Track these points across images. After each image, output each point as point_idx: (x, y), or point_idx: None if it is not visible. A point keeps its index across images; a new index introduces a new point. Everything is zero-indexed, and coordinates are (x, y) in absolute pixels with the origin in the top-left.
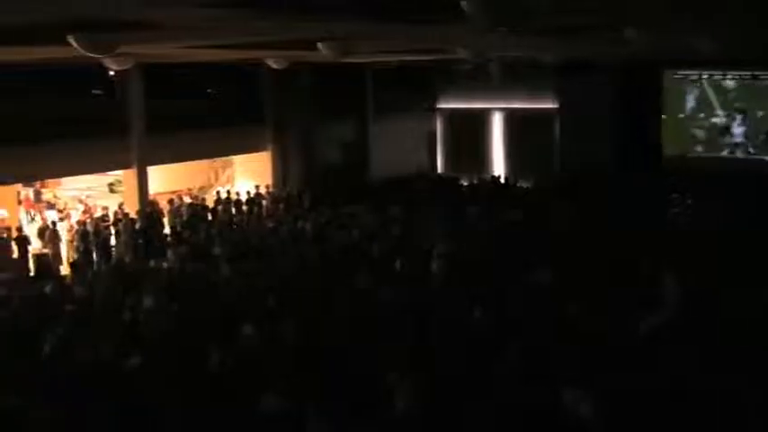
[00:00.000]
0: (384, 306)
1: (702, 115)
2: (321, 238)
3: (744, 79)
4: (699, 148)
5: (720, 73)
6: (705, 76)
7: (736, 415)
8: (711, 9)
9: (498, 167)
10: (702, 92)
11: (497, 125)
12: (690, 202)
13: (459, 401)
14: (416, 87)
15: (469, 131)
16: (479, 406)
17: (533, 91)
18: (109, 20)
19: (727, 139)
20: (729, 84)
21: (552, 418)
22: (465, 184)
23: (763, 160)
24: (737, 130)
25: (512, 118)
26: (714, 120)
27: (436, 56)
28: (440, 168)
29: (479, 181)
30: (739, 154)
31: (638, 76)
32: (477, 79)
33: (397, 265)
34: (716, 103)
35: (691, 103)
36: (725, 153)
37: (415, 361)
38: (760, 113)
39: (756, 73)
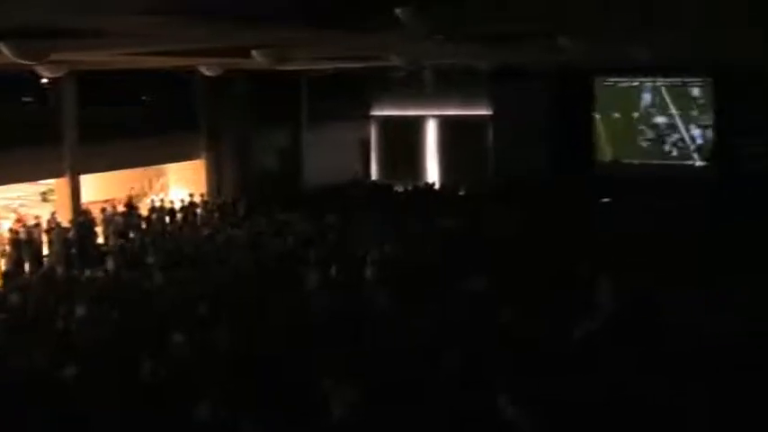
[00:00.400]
0: (319, 313)
1: (633, 121)
2: (256, 245)
3: (674, 86)
4: (633, 154)
5: (650, 80)
6: (635, 83)
7: (671, 419)
8: (644, 17)
9: (433, 174)
10: (636, 98)
11: (431, 132)
12: (621, 206)
13: (394, 408)
14: (351, 95)
15: (404, 138)
16: (414, 411)
17: (467, 98)
18: (41, 27)
19: (660, 146)
20: (663, 90)
21: (487, 424)
22: (399, 190)
23: (692, 166)
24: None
25: (446, 125)
26: (646, 126)
27: (371, 63)
28: (374, 175)
29: (414, 188)
30: (671, 159)
31: (571, 82)
32: (412, 86)
33: (333, 271)
34: (650, 109)
35: (624, 108)
36: (657, 159)
37: (350, 367)
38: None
39: (686, 80)
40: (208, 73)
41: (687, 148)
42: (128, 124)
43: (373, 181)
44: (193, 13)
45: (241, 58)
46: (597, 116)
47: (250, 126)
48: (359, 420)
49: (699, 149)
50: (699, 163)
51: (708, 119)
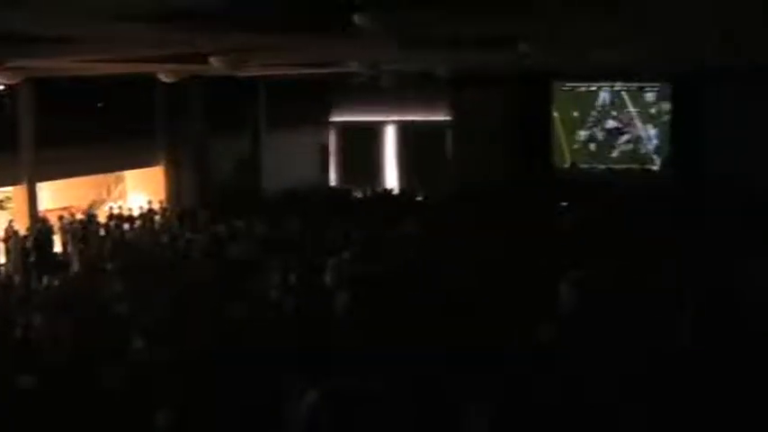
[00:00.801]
0: (279, 318)
1: (591, 125)
2: (215, 251)
3: (632, 90)
4: (590, 158)
5: (608, 84)
6: (593, 88)
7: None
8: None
9: (392, 180)
10: (594, 102)
11: (390, 137)
12: (577, 210)
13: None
14: (310, 100)
15: (363, 144)
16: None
17: (426, 103)
18: None
19: (617, 149)
20: (621, 95)
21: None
22: (358, 196)
23: (650, 169)
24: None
25: (405, 130)
26: (604, 130)
27: (330, 69)
28: (333, 181)
29: (373, 193)
30: (628, 163)
31: (530, 87)
32: (371, 92)
33: (292, 278)
34: (608, 113)
35: (582, 113)
36: (615, 163)
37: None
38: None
39: (644, 84)
40: (166, 79)
41: (645, 151)
42: (85, 131)
43: (332, 186)
44: (150, 19)
45: (199, 65)
46: (555, 121)
47: (209, 132)
48: (325, 422)
49: (656, 153)
50: (656, 166)
51: (665, 123)
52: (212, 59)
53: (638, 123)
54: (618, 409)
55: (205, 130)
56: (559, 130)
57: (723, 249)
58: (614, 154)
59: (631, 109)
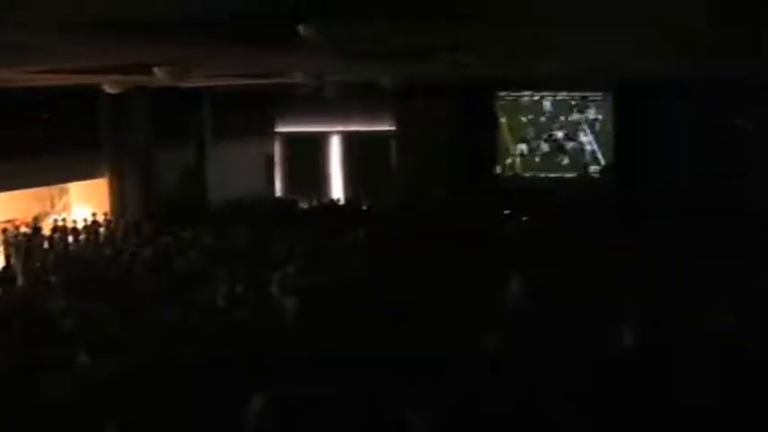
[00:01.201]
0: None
1: (535, 135)
2: (160, 263)
3: (575, 100)
4: (534, 166)
5: (551, 93)
6: (536, 98)
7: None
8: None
9: (337, 190)
10: (537, 112)
11: (335, 148)
12: (521, 219)
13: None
14: (255, 111)
15: (308, 155)
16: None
17: (371, 114)
18: None
19: (561, 158)
20: (564, 104)
21: None
22: (304, 207)
23: (593, 177)
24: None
25: (350, 141)
26: (547, 138)
27: (274, 80)
28: (279, 192)
29: (318, 204)
30: (571, 171)
31: (473, 97)
32: (315, 103)
33: (239, 289)
34: (551, 122)
35: (526, 122)
36: (558, 171)
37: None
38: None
39: (587, 94)
40: (110, 90)
41: (588, 160)
42: (28, 143)
43: (277, 197)
44: (94, 30)
45: (143, 76)
46: (500, 130)
47: (153, 143)
48: (265, 427)
49: (599, 161)
50: (599, 174)
51: (608, 132)
52: (157, 70)
53: (581, 132)
54: (563, 417)
55: (150, 142)
56: (504, 140)
57: (664, 253)
58: (558, 162)
59: (574, 118)
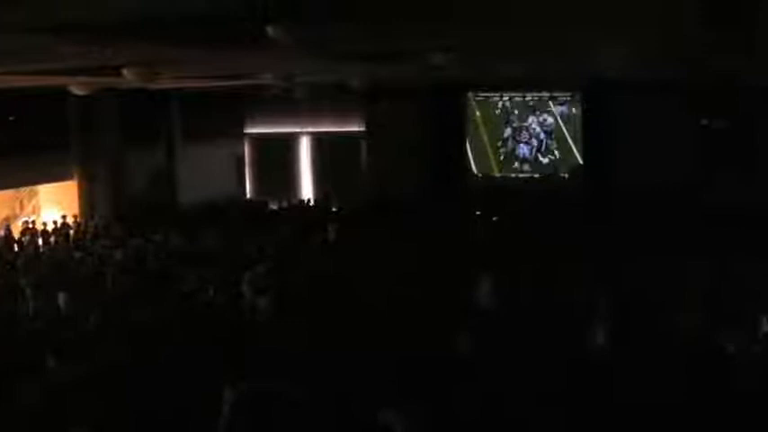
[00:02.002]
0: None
1: (505, 135)
2: (130, 265)
3: (544, 100)
4: (505, 167)
5: (521, 94)
6: (507, 98)
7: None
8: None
9: (307, 191)
10: (508, 112)
11: (305, 149)
12: (492, 219)
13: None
14: (224, 112)
15: (278, 156)
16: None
17: (341, 115)
18: None
19: (531, 158)
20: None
21: None
22: (274, 208)
23: (562, 177)
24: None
25: (320, 142)
26: (517, 139)
27: (244, 81)
28: (249, 193)
29: (288, 205)
30: (541, 171)
31: (444, 98)
32: (285, 104)
33: (210, 291)
34: (522, 122)
35: (496, 122)
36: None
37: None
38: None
39: (556, 94)
40: (78, 92)
41: (558, 160)
42: None
43: (248, 198)
44: (61, 31)
45: (112, 77)
46: (468, 130)
47: (123, 145)
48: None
49: (568, 161)
50: (567, 174)
51: (577, 131)
52: (125, 72)
53: (552, 132)
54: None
55: (119, 144)
56: (473, 140)
57: (631, 252)
58: (528, 162)
59: (544, 118)
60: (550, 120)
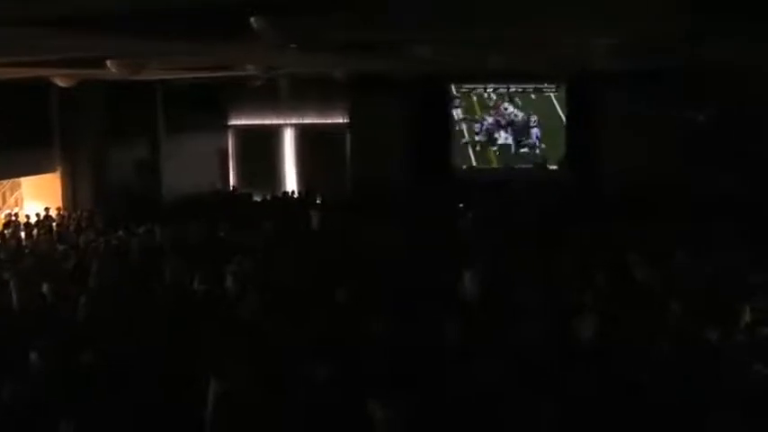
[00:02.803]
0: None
1: (490, 126)
2: (115, 258)
3: (528, 92)
4: (490, 159)
5: (505, 86)
6: (491, 89)
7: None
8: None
9: (291, 183)
10: (492, 104)
11: (289, 141)
12: (477, 209)
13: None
14: (208, 104)
15: (262, 148)
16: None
17: (325, 106)
18: None
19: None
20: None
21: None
22: (258, 200)
23: (547, 168)
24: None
25: (304, 133)
26: (502, 130)
27: (228, 72)
28: (233, 185)
29: (273, 197)
30: (526, 163)
31: (428, 90)
32: (269, 96)
33: (195, 283)
34: (506, 114)
35: (480, 114)
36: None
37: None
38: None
39: (541, 86)
40: (62, 84)
41: (543, 151)
42: None
43: (231, 190)
44: (47, 23)
45: (96, 69)
46: (453, 122)
47: (106, 137)
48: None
49: (554, 152)
50: (553, 166)
51: (562, 123)
52: (110, 64)
53: (536, 124)
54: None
55: (102, 136)
56: (459, 132)
57: (614, 245)
58: (513, 154)
59: (529, 110)
60: (533, 111)
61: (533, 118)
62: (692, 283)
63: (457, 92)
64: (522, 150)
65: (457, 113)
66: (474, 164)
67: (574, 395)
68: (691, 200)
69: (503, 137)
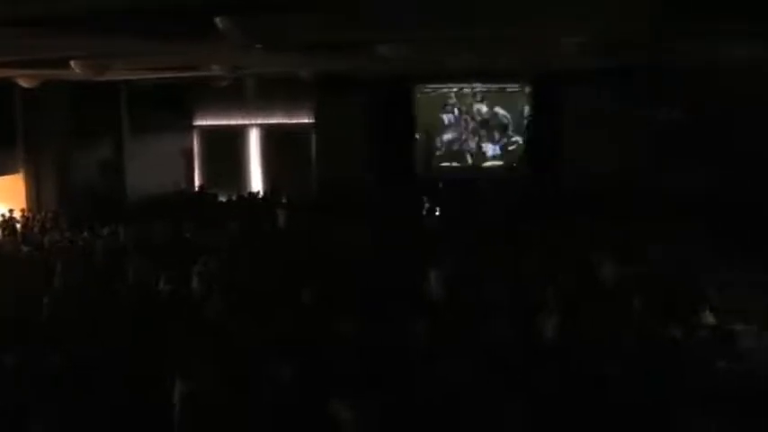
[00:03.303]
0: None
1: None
2: (80, 259)
3: (491, 92)
4: (453, 158)
5: (468, 86)
6: (454, 89)
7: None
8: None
9: (257, 183)
10: (455, 104)
11: (254, 141)
12: (441, 209)
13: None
14: (173, 104)
15: (227, 148)
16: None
17: (290, 107)
18: None
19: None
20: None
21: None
22: (223, 200)
23: (509, 167)
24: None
25: (269, 134)
26: (465, 130)
27: (192, 73)
28: (198, 186)
29: (238, 197)
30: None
31: (392, 90)
32: (234, 96)
33: (160, 284)
34: (469, 114)
35: (445, 115)
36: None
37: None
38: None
39: (504, 86)
40: (25, 85)
41: (507, 150)
42: None
43: (197, 191)
44: (10, 23)
45: (59, 69)
46: (417, 122)
47: (70, 138)
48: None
49: (517, 152)
50: (515, 164)
51: (526, 122)
52: (73, 64)
53: (500, 124)
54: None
55: (66, 136)
56: (421, 131)
57: (579, 243)
58: (476, 153)
59: (492, 109)
60: (498, 110)
61: (506, 115)
62: (657, 281)
63: (422, 92)
64: (486, 150)
65: (421, 113)
66: (437, 163)
67: (540, 392)
68: (643, 196)
69: (467, 138)
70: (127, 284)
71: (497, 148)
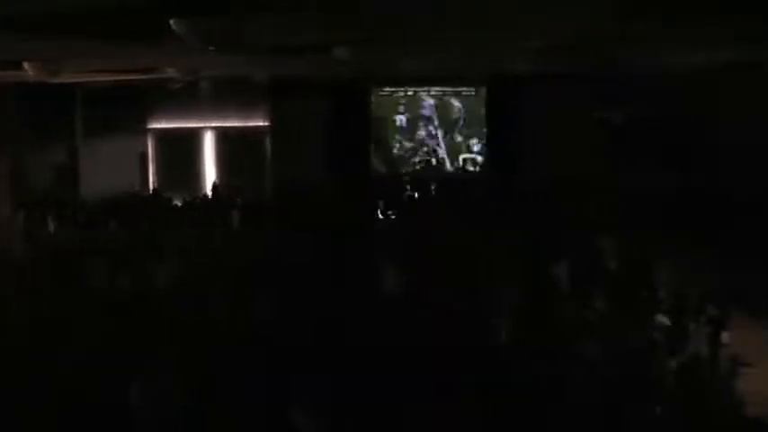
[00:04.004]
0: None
1: (410, 129)
2: (33, 262)
3: (448, 95)
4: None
5: (425, 89)
6: (411, 92)
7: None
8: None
9: (211, 187)
10: (412, 107)
11: (209, 144)
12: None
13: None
14: (128, 107)
15: (182, 151)
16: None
17: (246, 109)
18: None
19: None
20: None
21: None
22: (178, 203)
23: (466, 171)
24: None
25: (224, 136)
26: (423, 133)
27: (147, 75)
28: (153, 188)
29: (193, 199)
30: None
31: (349, 93)
32: (189, 98)
33: (115, 286)
34: (426, 118)
35: (401, 117)
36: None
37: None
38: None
39: (461, 89)
40: None
41: (465, 152)
42: None
43: (151, 194)
44: None
45: (12, 71)
46: (374, 125)
47: (24, 141)
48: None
49: (475, 154)
50: (471, 168)
51: (482, 126)
52: (27, 66)
53: (456, 127)
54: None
55: (20, 139)
56: (378, 134)
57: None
58: (433, 156)
59: (449, 113)
60: (454, 112)
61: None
62: (611, 280)
63: (378, 95)
64: (443, 152)
65: (378, 117)
66: (394, 166)
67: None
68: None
69: (423, 140)
70: (81, 287)
71: (455, 150)
